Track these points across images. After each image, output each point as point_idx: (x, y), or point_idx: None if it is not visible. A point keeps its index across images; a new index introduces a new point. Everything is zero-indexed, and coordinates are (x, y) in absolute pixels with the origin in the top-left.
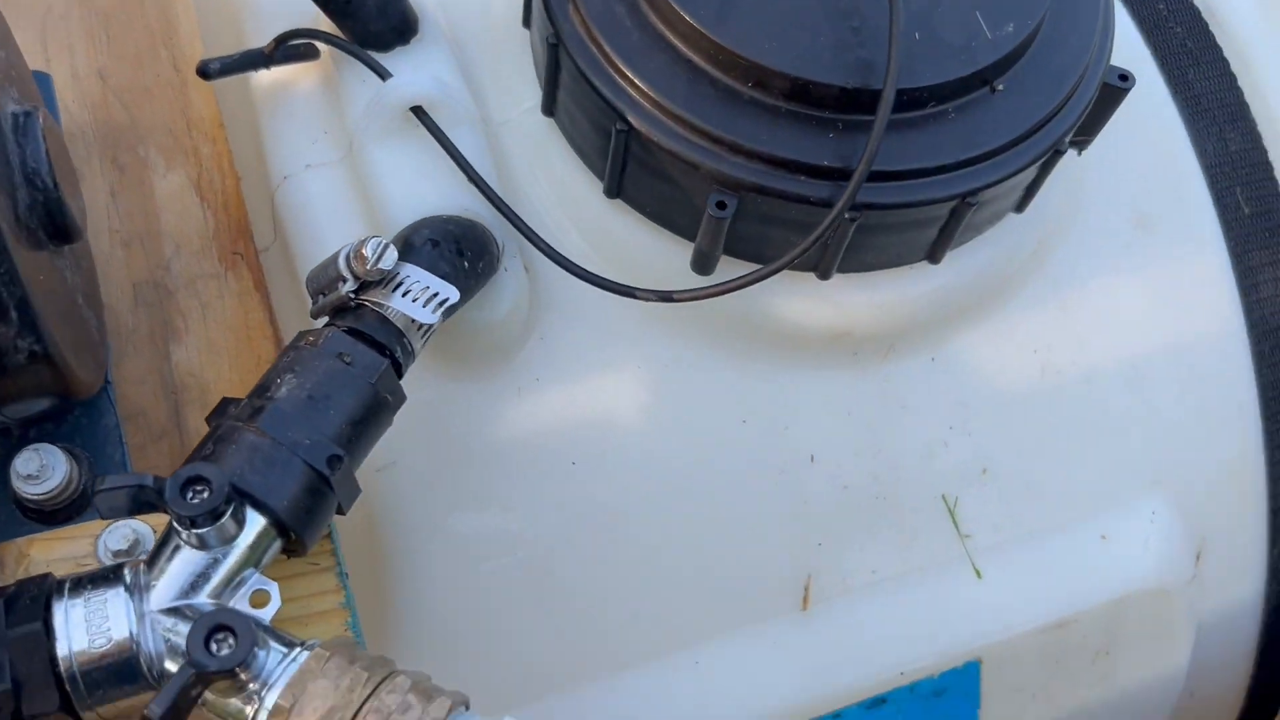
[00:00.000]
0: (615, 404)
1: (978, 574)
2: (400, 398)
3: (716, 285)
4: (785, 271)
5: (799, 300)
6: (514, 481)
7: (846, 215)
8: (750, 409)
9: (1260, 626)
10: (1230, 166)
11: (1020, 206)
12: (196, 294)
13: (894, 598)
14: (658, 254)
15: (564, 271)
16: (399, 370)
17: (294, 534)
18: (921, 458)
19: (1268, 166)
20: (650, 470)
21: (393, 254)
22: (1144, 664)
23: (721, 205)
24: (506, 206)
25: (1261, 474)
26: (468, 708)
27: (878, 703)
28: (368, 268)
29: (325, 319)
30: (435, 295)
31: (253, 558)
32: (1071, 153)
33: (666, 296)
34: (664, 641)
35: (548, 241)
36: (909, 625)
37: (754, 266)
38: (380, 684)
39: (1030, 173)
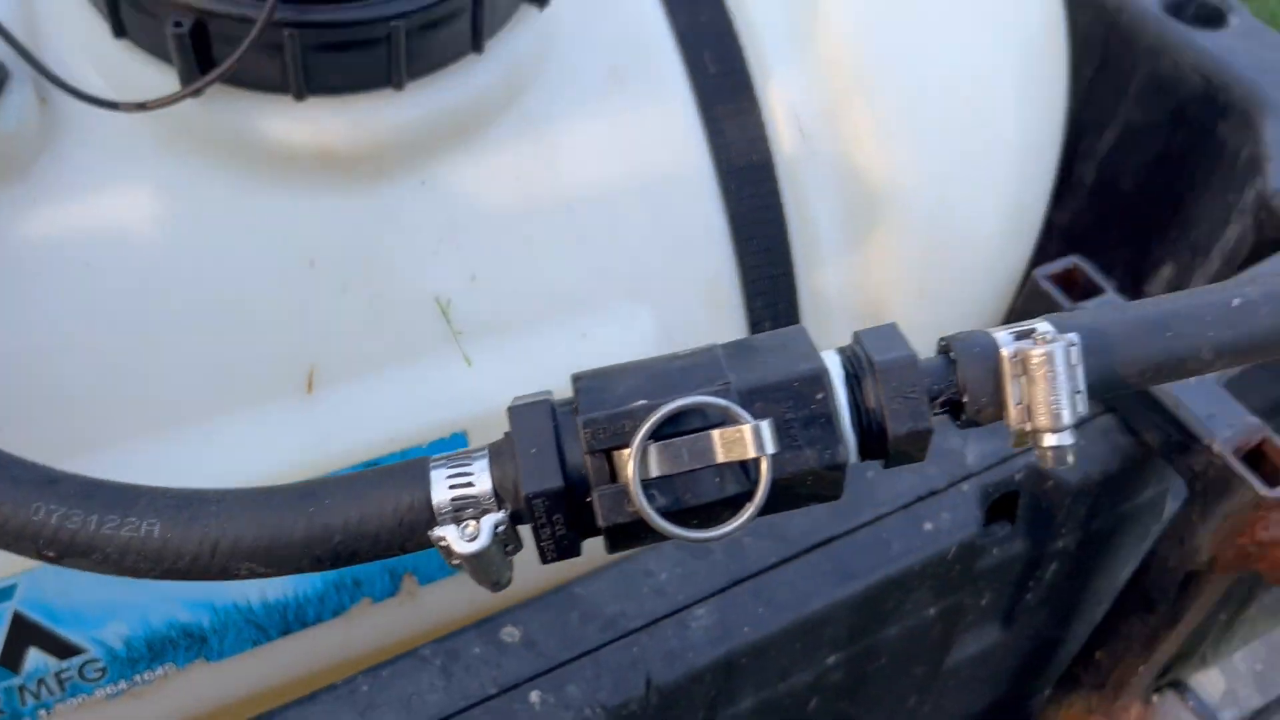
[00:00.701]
0: (127, 216)
1: (468, 362)
2: None
3: (174, 94)
4: (266, 94)
5: (280, 120)
6: (29, 281)
7: (287, 33)
8: (253, 222)
9: None
10: (699, 34)
11: (476, 45)
12: None
13: (390, 382)
14: (165, 86)
15: (83, 104)
16: None
17: None
18: (416, 265)
19: (734, 35)
20: (160, 271)
21: None
22: None
23: (178, 24)
24: (7, 33)
25: (738, 291)
26: None
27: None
28: None
29: None
30: None
31: None
32: (534, 9)
33: (141, 106)
34: (172, 419)
35: (69, 82)
36: (403, 404)
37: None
38: None
39: (455, 8)
